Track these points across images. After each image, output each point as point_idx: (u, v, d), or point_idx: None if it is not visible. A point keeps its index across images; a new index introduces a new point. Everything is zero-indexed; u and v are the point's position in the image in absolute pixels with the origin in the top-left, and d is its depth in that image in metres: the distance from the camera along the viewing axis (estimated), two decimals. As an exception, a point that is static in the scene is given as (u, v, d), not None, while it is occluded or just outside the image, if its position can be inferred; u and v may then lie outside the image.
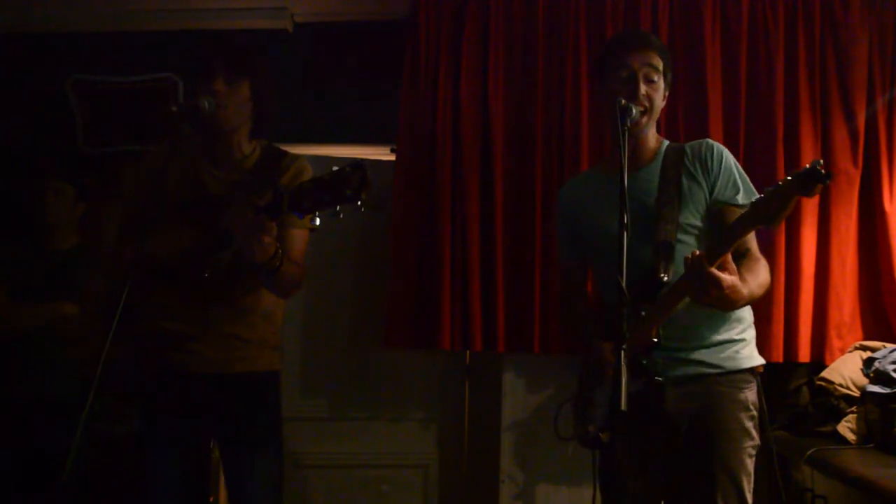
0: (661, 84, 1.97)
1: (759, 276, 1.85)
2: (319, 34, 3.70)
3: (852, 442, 2.77)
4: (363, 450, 3.44)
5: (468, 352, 3.40)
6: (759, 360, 1.99)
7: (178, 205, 2.00)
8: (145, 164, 2.08)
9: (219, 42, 2.06)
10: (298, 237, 2.04)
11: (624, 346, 1.48)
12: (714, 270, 1.65)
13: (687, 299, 1.80)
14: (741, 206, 1.88)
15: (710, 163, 1.97)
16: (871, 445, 2.71)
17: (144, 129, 3.62)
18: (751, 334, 2.01)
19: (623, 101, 1.77)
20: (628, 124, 1.77)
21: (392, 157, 3.42)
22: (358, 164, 1.62)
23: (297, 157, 2.13)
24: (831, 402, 2.92)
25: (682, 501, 1.98)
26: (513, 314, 3.19)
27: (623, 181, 1.63)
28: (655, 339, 1.81)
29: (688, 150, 2.00)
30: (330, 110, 3.62)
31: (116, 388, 2.09)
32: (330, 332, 3.46)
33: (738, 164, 2.01)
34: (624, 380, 1.45)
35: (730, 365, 1.93)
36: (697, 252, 1.68)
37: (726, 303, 1.72)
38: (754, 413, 1.94)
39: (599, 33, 3.23)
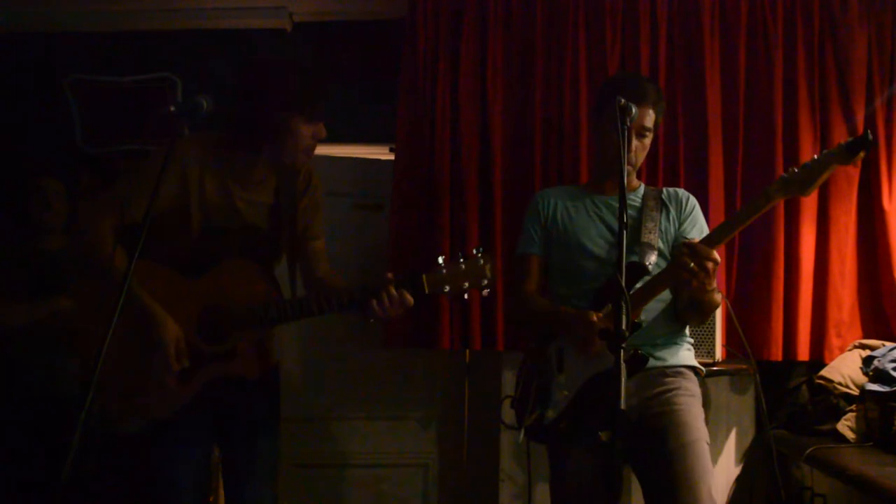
0: (650, 139, 2.14)
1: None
2: (318, 33, 3.70)
3: (851, 440, 2.77)
4: (363, 449, 3.45)
5: (467, 351, 3.40)
6: (698, 364, 2.15)
7: (214, 230, 1.97)
8: (147, 169, 1.96)
9: (320, 86, 2.08)
10: (322, 247, 2.19)
11: (623, 345, 1.50)
12: (708, 248, 1.81)
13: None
14: None
15: (683, 203, 2.18)
16: (871, 444, 2.72)
17: (143, 129, 3.62)
18: (690, 345, 2.18)
19: (622, 101, 1.80)
20: (628, 123, 1.81)
21: (391, 157, 3.42)
22: (486, 253, 1.90)
23: (309, 171, 2.15)
24: (830, 400, 2.93)
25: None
26: (512, 313, 3.20)
27: (622, 181, 1.67)
28: (636, 321, 1.87)
29: (664, 191, 2.21)
30: (329, 109, 3.61)
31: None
32: (329, 332, 3.46)
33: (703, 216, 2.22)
34: (623, 379, 1.47)
35: (675, 360, 2.08)
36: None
37: (707, 283, 1.83)
38: (702, 406, 2.05)
39: (598, 32, 3.23)
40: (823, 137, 3.16)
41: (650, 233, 2.07)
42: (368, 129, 3.61)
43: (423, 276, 1.88)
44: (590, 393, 1.98)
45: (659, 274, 1.97)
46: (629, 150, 2.04)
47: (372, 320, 1.90)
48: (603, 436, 1.82)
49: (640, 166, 2.26)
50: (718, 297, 2.01)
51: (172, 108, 1.95)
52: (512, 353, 3.22)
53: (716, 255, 1.80)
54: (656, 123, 2.14)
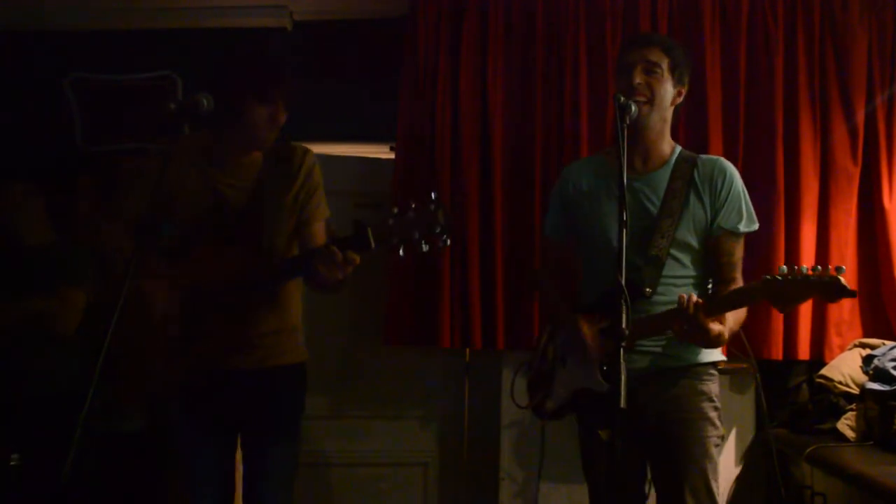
0: (666, 77, 1.97)
1: (739, 314, 1.91)
2: (319, 32, 3.70)
3: (851, 439, 2.77)
4: (363, 448, 3.44)
5: (468, 349, 3.40)
6: (719, 356, 2.04)
7: (199, 218, 2.01)
8: (145, 169, 2.05)
9: (276, 69, 2.05)
10: (320, 230, 2.13)
11: (623, 344, 1.49)
12: (706, 321, 1.74)
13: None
14: (740, 234, 1.98)
15: (719, 186, 1.96)
16: (871, 443, 2.72)
17: (143, 128, 3.62)
18: None
19: (622, 99, 1.77)
20: (627, 122, 1.77)
21: (391, 156, 3.42)
22: (438, 199, 1.68)
23: (306, 151, 2.15)
24: (831, 399, 2.92)
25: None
26: (512, 311, 3.20)
27: (622, 180, 1.64)
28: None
29: (699, 165, 1.99)
30: (329, 108, 3.62)
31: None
32: (329, 330, 3.45)
33: (745, 189, 2.00)
34: (623, 377, 1.46)
35: (692, 358, 1.97)
36: (695, 299, 1.75)
37: (707, 346, 1.85)
38: (717, 404, 1.99)
39: (598, 32, 3.23)
40: (824, 137, 3.16)
41: (663, 237, 1.90)
42: (368, 128, 3.60)
43: (369, 229, 1.76)
44: (583, 399, 1.95)
45: (661, 316, 1.86)
46: (632, 86, 1.91)
47: (322, 286, 1.85)
48: (603, 434, 1.81)
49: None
50: (738, 321, 1.92)
51: (172, 106, 1.94)
52: (512, 351, 3.22)
53: (710, 331, 1.74)
54: (676, 70, 1.99)
